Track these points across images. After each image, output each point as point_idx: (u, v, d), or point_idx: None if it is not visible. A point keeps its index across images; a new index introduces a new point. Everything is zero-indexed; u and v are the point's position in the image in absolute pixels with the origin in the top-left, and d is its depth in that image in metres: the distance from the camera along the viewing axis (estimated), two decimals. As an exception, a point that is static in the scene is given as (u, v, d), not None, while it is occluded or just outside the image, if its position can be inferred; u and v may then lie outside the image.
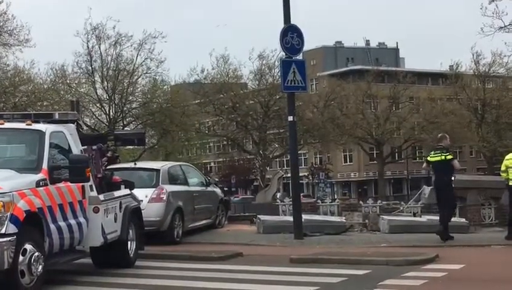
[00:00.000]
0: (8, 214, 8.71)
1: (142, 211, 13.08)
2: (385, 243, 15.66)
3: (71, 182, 10.14)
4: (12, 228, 8.71)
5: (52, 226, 9.61)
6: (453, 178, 16.00)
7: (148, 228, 13.64)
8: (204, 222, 18.16)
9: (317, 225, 17.89)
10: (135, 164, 17.48)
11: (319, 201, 24.84)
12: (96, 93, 49.04)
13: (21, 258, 8.89)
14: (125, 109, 49.50)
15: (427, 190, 20.85)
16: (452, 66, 66.72)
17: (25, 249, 8.96)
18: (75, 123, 11.38)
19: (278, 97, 51.96)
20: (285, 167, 56.62)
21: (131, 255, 12.09)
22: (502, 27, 31.32)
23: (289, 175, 18.44)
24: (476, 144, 62.63)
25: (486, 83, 61.82)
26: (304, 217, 17.13)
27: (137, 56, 48.64)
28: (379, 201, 23.73)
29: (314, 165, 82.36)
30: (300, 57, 17.47)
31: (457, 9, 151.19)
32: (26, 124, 10.53)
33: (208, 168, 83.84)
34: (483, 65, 60.55)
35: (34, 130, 10.37)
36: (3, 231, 8.65)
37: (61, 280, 10.46)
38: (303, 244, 15.53)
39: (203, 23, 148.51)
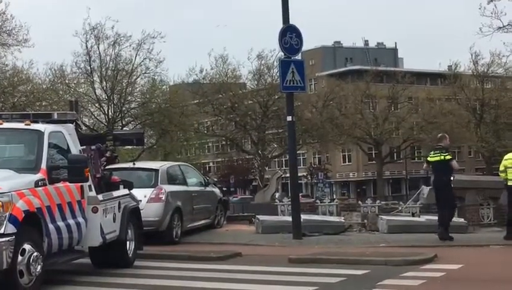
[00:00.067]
0: (7, 214, 8.71)
1: (141, 211, 13.08)
2: (384, 243, 15.67)
3: (70, 182, 10.14)
4: (11, 228, 8.71)
5: (51, 226, 9.62)
6: (452, 178, 16.02)
7: (147, 228, 13.64)
8: (203, 222, 18.16)
9: (316, 225, 17.89)
10: (134, 164, 17.47)
11: (317, 201, 24.85)
12: (95, 93, 49.05)
13: (20, 258, 8.89)
14: (124, 109, 49.50)
15: (425, 190, 20.86)
16: (451, 66, 66.84)
17: (24, 249, 8.96)
18: (74, 123, 11.39)
19: (276, 97, 51.97)
20: (284, 167, 56.57)
21: (130, 255, 12.09)
22: (500, 27, 31.37)
23: (288, 175, 18.41)
24: (474, 144, 62.66)
25: (484, 83, 61.84)
26: (303, 217, 17.13)
27: (136, 56, 48.73)
28: (378, 201, 23.74)
29: (313, 165, 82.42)
30: (299, 57, 17.46)
31: (456, 10, 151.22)
32: (25, 124, 10.52)
33: (207, 168, 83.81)
34: (482, 65, 60.67)
35: (33, 130, 10.37)
36: (2, 231, 8.64)
37: (60, 280, 10.46)
38: (302, 245, 15.54)
39: (202, 23, 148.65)
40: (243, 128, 57.60)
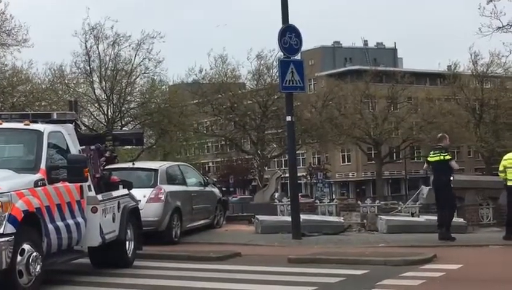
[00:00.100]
0: (6, 214, 8.71)
1: (140, 211, 13.07)
2: (383, 243, 15.67)
3: (69, 182, 10.13)
4: (10, 228, 8.71)
5: (50, 226, 9.61)
6: (451, 178, 16.02)
7: (146, 228, 13.64)
8: (202, 222, 18.16)
9: (315, 225, 17.89)
10: (133, 163, 17.47)
11: (317, 201, 24.85)
12: (95, 93, 49.04)
13: (19, 258, 8.88)
14: (123, 109, 49.48)
15: (425, 190, 20.87)
16: (450, 66, 66.85)
17: (23, 249, 8.96)
18: (73, 123, 11.38)
19: (276, 97, 51.96)
20: (284, 167, 56.63)
21: (130, 255, 12.09)
22: (500, 27, 31.36)
23: (287, 175, 18.42)
24: (474, 144, 62.68)
25: (484, 83, 61.83)
26: (302, 217, 17.13)
27: (135, 56, 48.69)
28: (377, 201, 23.73)
29: (313, 165, 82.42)
30: (298, 57, 17.46)
31: (456, 10, 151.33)
32: (24, 124, 10.51)
33: (206, 168, 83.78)
34: (481, 65, 60.66)
35: (32, 130, 10.37)
36: (1, 231, 8.64)
37: (59, 280, 10.45)
38: (301, 245, 15.54)
39: (202, 23, 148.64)
40: (242, 128, 57.59)
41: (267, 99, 54.93)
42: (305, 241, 16.07)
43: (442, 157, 15.88)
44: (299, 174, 23.05)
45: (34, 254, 9.10)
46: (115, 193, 11.83)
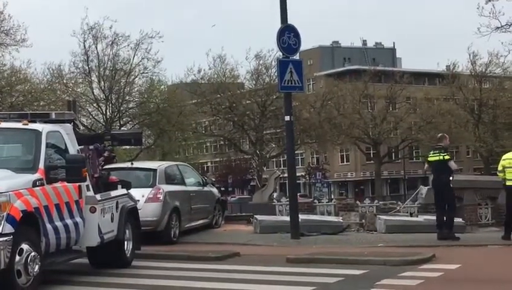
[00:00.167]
0: (5, 214, 8.70)
1: (139, 211, 13.06)
2: (382, 243, 15.67)
3: (68, 182, 10.12)
4: (8, 228, 8.70)
5: (48, 226, 9.60)
6: (451, 178, 16.02)
7: (144, 227, 13.64)
8: (201, 221, 18.16)
9: (314, 225, 17.89)
10: (132, 163, 17.49)
11: (315, 201, 24.85)
12: (93, 93, 49.01)
13: (17, 258, 8.87)
14: (122, 108, 49.46)
15: (424, 189, 20.88)
16: (449, 66, 66.77)
17: (22, 249, 8.94)
18: (72, 123, 11.39)
19: (274, 97, 51.97)
20: (282, 167, 56.67)
21: (128, 255, 12.08)
22: (498, 27, 31.29)
23: (286, 175, 18.43)
24: (472, 144, 62.67)
25: (483, 83, 61.82)
26: (301, 217, 17.14)
27: (134, 56, 48.66)
28: (376, 201, 23.70)
29: (311, 165, 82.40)
30: (297, 56, 17.46)
31: (454, 10, 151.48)
32: (23, 124, 10.50)
33: (205, 168, 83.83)
34: (480, 65, 60.63)
35: (31, 130, 10.35)
36: (-1, 231, 8.64)
37: (57, 280, 10.45)
38: (300, 244, 15.53)
39: (201, 23, 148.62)
40: (241, 128, 57.57)
41: (265, 99, 54.92)
42: (304, 241, 16.07)
43: (441, 157, 15.89)
44: (297, 174, 23.06)
45: (33, 254, 9.09)
46: (113, 193, 11.83)
